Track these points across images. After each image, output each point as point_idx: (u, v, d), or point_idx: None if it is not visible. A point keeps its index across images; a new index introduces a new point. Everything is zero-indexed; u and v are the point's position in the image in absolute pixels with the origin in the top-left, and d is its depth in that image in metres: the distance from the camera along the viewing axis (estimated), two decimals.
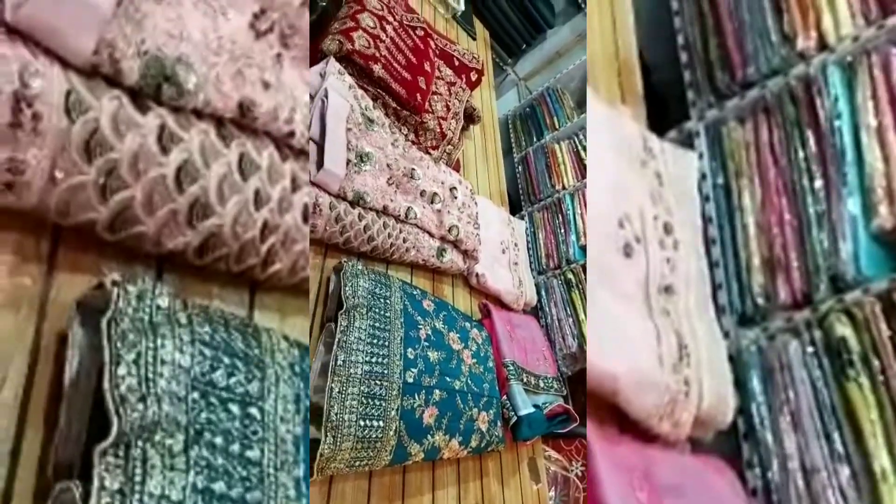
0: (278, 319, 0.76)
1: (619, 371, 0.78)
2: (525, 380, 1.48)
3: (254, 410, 0.55)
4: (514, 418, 1.34)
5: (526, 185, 2.93)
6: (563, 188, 2.71)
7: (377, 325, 1.04)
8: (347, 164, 1.08)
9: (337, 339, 0.95)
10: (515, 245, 1.88)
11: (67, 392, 0.51)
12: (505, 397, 1.37)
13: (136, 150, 0.55)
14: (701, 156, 1.36)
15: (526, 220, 2.75)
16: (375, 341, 1.02)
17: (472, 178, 1.86)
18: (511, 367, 1.43)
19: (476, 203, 1.58)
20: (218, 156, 0.60)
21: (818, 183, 1.23)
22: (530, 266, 2.14)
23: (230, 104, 0.61)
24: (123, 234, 0.57)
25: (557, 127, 2.96)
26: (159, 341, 0.50)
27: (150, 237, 0.58)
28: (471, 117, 1.83)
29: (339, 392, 0.90)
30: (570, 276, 2.52)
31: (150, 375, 0.49)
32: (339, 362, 0.92)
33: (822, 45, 1.29)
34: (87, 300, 0.54)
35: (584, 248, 2.48)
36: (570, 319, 2.44)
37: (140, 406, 0.47)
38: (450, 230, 1.37)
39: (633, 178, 0.89)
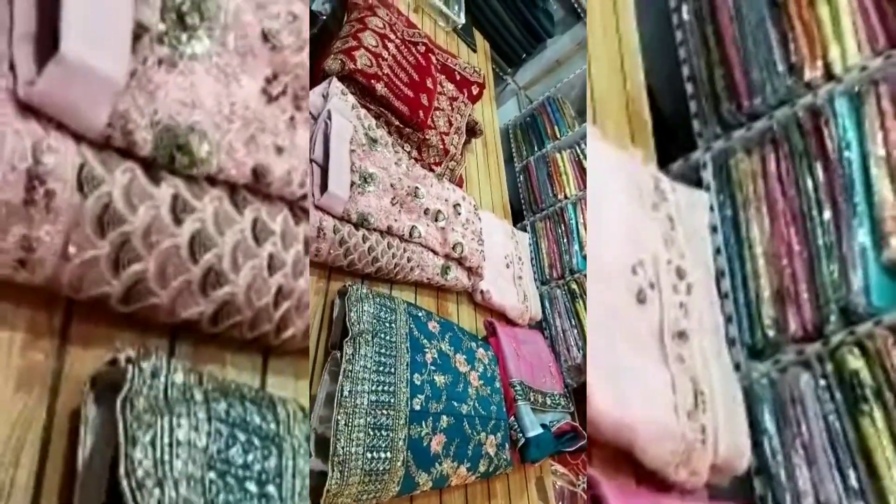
0: (293, 383, 0.75)
1: (636, 422, 0.77)
2: (532, 399, 1.47)
3: (271, 488, 0.54)
4: (522, 440, 1.33)
5: (527, 195, 2.93)
6: (566, 197, 2.71)
7: (383, 351, 1.03)
8: (351, 185, 1.08)
9: (343, 369, 0.93)
10: (519, 259, 1.87)
11: (81, 474, 0.51)
12: (512, 418, 1.36)
13: (150, 222, 0.54)
14: (708, 187, 1.36)
15: (528, 229, 2.74)
16: (381, 368, 1.01)
17: (474, 190, 1.86)
18: (518, 388, 1.42)
19: (480, 218, 1.57)
20: (231, 223, 0.60)
21: (827, 214, 1.23)
22: (533, 277, 2.13)
23: (244, 171, 0.60)
24: (137, 306, 0.56)
25: (558, 136, 2.97)
26: (175, 421, 0.50)
27: (164, 308, 0.57)
28: (473, 131, 1.84)
29: (345, 424, 0.88)
30: (574, 286, 2.51)
31: (167, 458, 0.48)
32: (345, 393, 0.91)
33: (829, 76, 1.29)
34: (101, 377, 0.54)
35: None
36: (575, 330, 2.43)
37: (157, 491, 0.46)
38: (454, 247, 1.37)
39: (645, 223, 0.89)
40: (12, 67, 0.49)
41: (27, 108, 0.49)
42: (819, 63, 1.30)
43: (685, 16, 1.51)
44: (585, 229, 2.52)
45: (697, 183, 1.38)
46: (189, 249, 0.57)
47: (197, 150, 0.56)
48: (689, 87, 1.44)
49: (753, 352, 1.25)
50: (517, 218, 2.66)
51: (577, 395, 2.26)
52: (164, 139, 0.55)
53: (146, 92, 0.54)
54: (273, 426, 0.56)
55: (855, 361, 1.15)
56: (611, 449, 0.81)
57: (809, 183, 1.26)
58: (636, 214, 0.88)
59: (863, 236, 1.19)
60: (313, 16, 1.37)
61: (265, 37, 0.62)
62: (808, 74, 1.30)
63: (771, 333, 1.22)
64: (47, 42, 0.50)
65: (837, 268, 1.20)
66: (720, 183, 1.35)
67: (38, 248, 0.50)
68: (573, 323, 2.45)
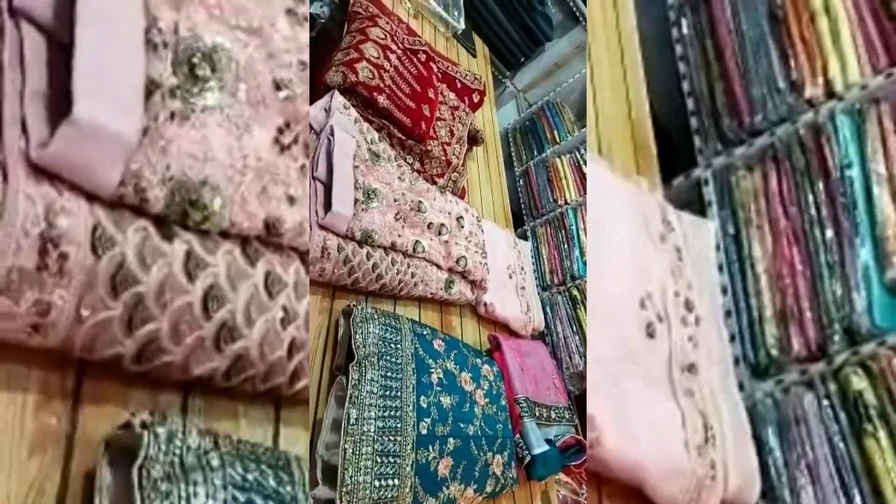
0: (304, 434, 0.75)
1: (647, 461, 0.76)
2: (538, 414, 1.46)
3: None
4: (529, 457, 1.32)
5: (528, 200, 2.92)
6: (566, 203, 2.70)
7: (389, 374, 1.02)
8: (355, 202, 1.07)
9: (349, 395, 0.92)
10: (522, 269, 1.86)
11: None
12: (518, 435, 1.35)
13: (163, 280, 0.53)
14: (709, 203, 1.35)
15: (528, 234, 2.73)
16: (388, 392, 0.99)
17: (475, 199, 1.85)
18: (524, 404, 1.41)
19: (482, 230, 1.57)
20: (244, 277, 0.59)
21: (829, 232, 1.23)
22: (535, 285, 2.12)
23: (256, 223, 0.59)
24: (150, 365, 0.55)
25: (558, 141, 2.96)
26: (192, 489, 0.49)
27: (178, 365, 0.57)
28: (474, 139, 1.83)
29: (353, 453, 0.87)
30: (576, 292, 2.50)
31: None
32: (352, 420, 0.90)
33: (830, 93, 1.29)
34: (115, 440, 0.53)
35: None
36: (577, 337, 2.41)
37: None
38: (458, 261, 1.36)
39: (653, 256, 0.88)
40: (24, 129, 0.49)
41: (39, 170, 0.48)
42: (820, 80, 1.29)
43: (685, 30, 1.51)
44: (586, 236, 2.51)
45: (699, 200, 1.37)
46: (202, 306, 0.56)
47: (210, 205, 0.55)
48: (690, 103, 1.44)
49: (756, 371, 1.24)
50: (517, 223, 2.64)
51: (580, 402, 2.24)
52: (177, 195, 0.54)
53: (158, 148, 0.53)
54: (289, 488, 0.56)
55: (859, 382, 1.15)
56: (619, 485, 0.81)
57: (811, 201, 1.26)
58: (643, 246, 0.88)
59: (865, 255, 1.18)
60: (312, 19, 1.36)
61: (277, 86, 0.61)
62: (808, 91, 1.30)
63: (774, 353, 1.22)
64: (59, 100, 0.50)
65: (840, 287, 1.19)
66: (721, 200, 1.34)
67: (52, 312, 0.49)
68: (574, 329, 2.44)
